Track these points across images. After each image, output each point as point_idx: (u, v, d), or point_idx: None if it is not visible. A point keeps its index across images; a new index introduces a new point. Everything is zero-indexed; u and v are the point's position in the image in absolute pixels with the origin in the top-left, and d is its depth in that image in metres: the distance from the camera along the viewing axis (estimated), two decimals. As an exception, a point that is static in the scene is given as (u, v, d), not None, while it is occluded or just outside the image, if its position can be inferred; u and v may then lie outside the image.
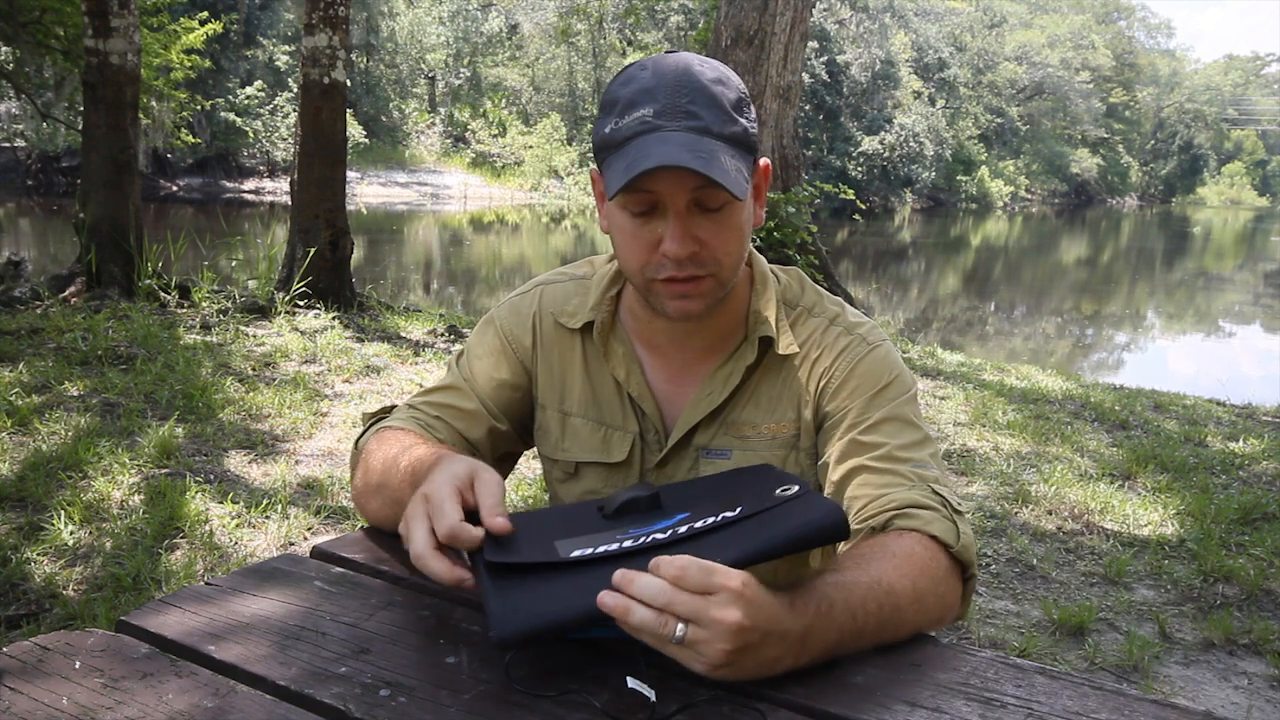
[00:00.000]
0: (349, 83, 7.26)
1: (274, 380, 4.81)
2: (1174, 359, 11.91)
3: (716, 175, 1.02)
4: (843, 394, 1.18)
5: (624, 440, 1.25)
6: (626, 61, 32.06)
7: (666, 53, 1.13)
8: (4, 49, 11.74)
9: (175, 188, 25.07)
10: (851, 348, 1.20)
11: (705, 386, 1.22)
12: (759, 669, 0.84)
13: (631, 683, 0.81)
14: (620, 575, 0.81)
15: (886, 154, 37.15)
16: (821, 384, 1.20)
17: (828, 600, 0.89)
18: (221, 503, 3.23)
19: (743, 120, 1.09)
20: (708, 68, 1.09)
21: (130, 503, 3.20)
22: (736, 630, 0.80)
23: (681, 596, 0.80)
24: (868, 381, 1.17)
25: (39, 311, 5.97)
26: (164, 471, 3.46)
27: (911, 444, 1.13)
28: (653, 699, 0.80)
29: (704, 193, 1.06)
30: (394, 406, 1.29)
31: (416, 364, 5.49)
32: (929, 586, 0.98)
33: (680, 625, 0.80)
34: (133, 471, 3.42)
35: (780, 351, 1.20)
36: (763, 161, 1.16)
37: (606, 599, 0.81)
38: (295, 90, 13.16)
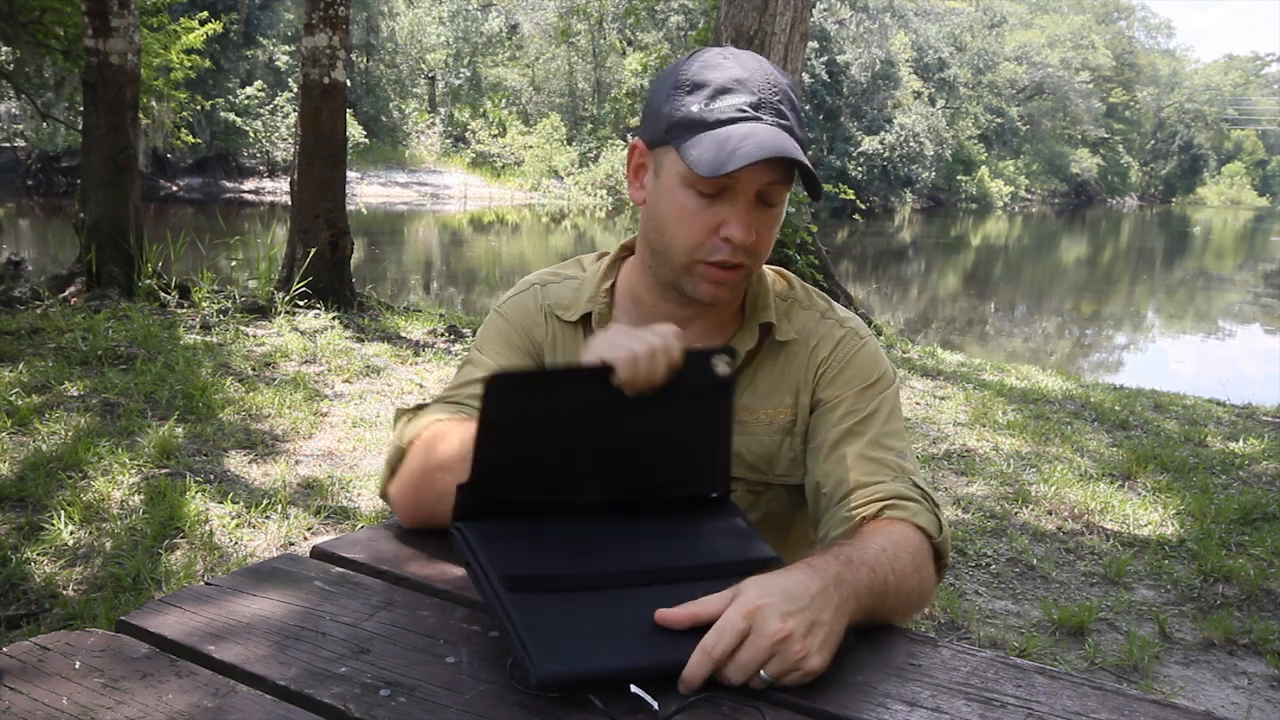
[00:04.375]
0: (349, 83, 7.26)
1: (274, 380, 4.81)
2: (1174, 359, 11.91)
3: (817, 174, 1.11)
4: (839, 383, 1.24)
5: None
6: (626, 61, 32.08)
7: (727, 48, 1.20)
8: (4, 49, 11.72)
9: (175, 188, 25.06)
10: (847, 340, 1.27)
11: None
12: (834, 626, 0.88)
13: (634, 689, 0.81)
14: (683, 683, 0.83)
15: (886, 154, 37.11)
16: (820, 372, 1.25)
17: (844, 554, 0.97)
18: (221, 503, 3.23)
19: (806, 128, 1.18)
20: (780, 71, 1.18)
21: (130, 503, 3.20)
22: (789, 630, 0.83)
23: (738, 659, 0.83)
24: (861, 374, 1.24)
25: (39, 311, 5.97)
26: (164, 471, 3.46)
27: (894, 433, 1.22)
28: (655, 706, 0.80)
29: (772, 188, 1.14)
30: (427, 404, 1.26)
31: (416, 364, 5.49)
32: (922, 563, 1.08)
33: (761, 674, 0.83)
34: (133, 471, 3.42)
35: (779, 338, 1.26)
36: None
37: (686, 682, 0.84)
38: (295, 90, 13.14)
